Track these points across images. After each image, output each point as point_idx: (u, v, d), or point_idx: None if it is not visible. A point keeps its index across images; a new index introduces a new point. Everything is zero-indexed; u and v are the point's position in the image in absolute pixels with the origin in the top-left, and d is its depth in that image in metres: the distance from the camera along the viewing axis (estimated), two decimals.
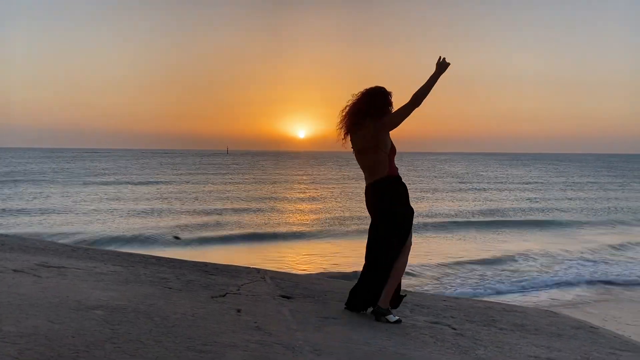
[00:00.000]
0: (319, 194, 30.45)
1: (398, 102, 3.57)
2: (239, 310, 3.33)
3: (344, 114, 3.66)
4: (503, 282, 10.04)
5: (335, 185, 37.18)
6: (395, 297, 3.61)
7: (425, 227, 17.04)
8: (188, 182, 37.50)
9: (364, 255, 3.64)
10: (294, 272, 8.93)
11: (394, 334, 3.26)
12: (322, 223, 18.63)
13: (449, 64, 3.41)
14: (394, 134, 3.59)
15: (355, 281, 3.74)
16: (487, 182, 41.23)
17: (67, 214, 19.38)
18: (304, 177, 47.79)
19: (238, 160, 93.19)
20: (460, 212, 22.31)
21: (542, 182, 41.99)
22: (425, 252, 12.61)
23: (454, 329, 3.63)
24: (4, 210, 19.58)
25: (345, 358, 2.67)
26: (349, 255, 12.70)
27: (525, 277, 10.46)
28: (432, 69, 3.41)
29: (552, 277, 10.52)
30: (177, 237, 14.16)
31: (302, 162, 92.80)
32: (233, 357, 2.43)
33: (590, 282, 10.16)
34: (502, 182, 41.44)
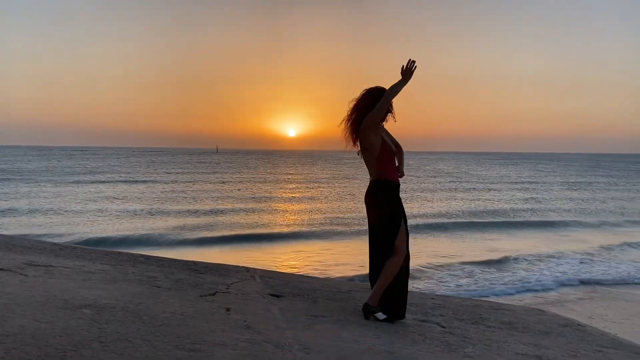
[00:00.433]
0: (310, 194, 30.45)
1: (396, 102, 3.63)
2: (228, 309, 3.32)
3: (348, 114, 3.69)
4: (492, 281, 10.12)
5: (326, 185, 37.21)
6: (399, 306, 3.59)
7: (417, 227, 17.10)
8: (177, 181, 37.30)
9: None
10: (283, 271, 8.92)
11: (383, 333, 3.27)
12: (313, 223, 18.63)
13: (411, 69, 3.44)
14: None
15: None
16: (477, 182, 41.47)
17: (56, 213, 19.20)
18: (295, 177, 47.74)
19: (228, 159, 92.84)
20: (448, 212, 22.41)
21: (533, 182, 42.30)
22: (415, 252, 12.64)
23: (443, 327, 3.65)
24: None
25: (334, 356, 2.67)
26: (341, 255, 12.72)
27: (514, 276, 10.55)
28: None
29: (539, 275, 10.62)
30: None
31: (293, 160, 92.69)
32: (222, 355, 2.42)
33: (578, 281, 10.27)
34: (492, 182, 41.69)
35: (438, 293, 8.27)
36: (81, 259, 4.50)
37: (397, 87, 3.50)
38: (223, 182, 37.37)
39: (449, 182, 40.98)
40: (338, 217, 19.64)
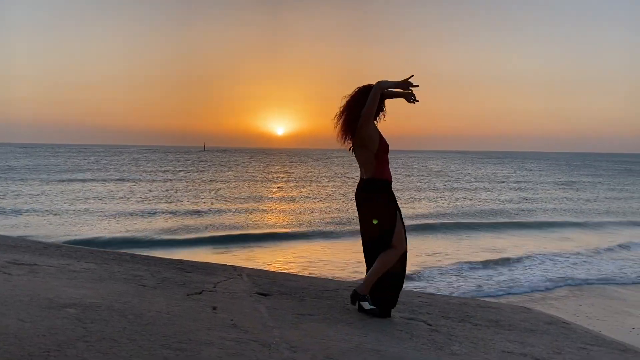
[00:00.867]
0: (298, 193, 30.43)
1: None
2: (214, 308, 3.31)
3: (340, 112, 3.68)
4: (479, 280, 10.19)
5: (315, 184, 37.20)
6: (388, 304, 3.62)
7: (407, 227, 17.12)
8: (164, 179, 37.06)
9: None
10: (270, 269, 8.91)
11: (370, 331, 3.28)
12: (301, 222, 18.62)
13: (408, 81, 3.53)
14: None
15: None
16: (464, 180, 41.73)
17: (43, 213, 18.98)
18: (284, 175, 47.66)
19: (216, 157, 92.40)
20: (437, 212, 22.53)
21: (524, 181, 42.66)
22: None
23: (430, 325, 3.67)
24: None
25: (321, 355, 2.67)
26: (329, 254, 12.72)
27: (502, 275, 10.63)
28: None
29: (526, 274, 10.72)
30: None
31: (281, 159, 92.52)
32: (209, 354, 2.41)
33: (563, 279, 10.38)
34: (481, 181, 41.98)
35: (425, 291, 8.31)
36: (66, 257, 4.45)
37: (386, 82, 3.52)
38: (211, 181, 37.20)
39: (443, 182, 41.14)
40: (327, 216, 19.64)
